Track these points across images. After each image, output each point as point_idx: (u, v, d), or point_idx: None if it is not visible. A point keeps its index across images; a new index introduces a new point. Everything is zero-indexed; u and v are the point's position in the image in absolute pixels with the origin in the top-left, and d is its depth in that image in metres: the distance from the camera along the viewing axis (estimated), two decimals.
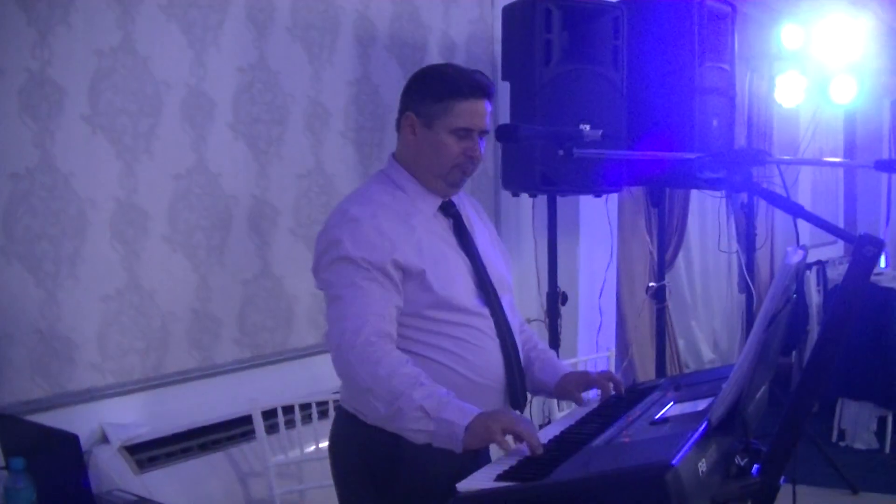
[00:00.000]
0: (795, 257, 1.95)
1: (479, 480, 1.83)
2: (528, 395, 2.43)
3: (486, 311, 2.30)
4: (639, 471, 1.63)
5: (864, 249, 1.79)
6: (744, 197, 5.92)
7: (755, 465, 1.89)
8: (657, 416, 2.07)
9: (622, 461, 1.75)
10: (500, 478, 1.82)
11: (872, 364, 5.64)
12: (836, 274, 7.12)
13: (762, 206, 6.93)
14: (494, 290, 2.34)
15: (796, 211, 2.02)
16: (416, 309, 2.22)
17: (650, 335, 5.55)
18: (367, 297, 2.15)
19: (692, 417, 1.95)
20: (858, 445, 5.83)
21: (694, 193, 6.32)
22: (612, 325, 5.06)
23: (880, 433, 5.83)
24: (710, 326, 7.34)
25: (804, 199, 8.09)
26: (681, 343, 6.69)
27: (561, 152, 2.32)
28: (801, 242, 2.07)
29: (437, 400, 2.03)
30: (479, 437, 1.99)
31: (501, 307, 2.35)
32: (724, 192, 5.70)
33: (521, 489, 1.75)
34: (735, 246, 6.90)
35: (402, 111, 2.35)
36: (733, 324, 7.53)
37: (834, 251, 8.39)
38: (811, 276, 6.99)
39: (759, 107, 7.22)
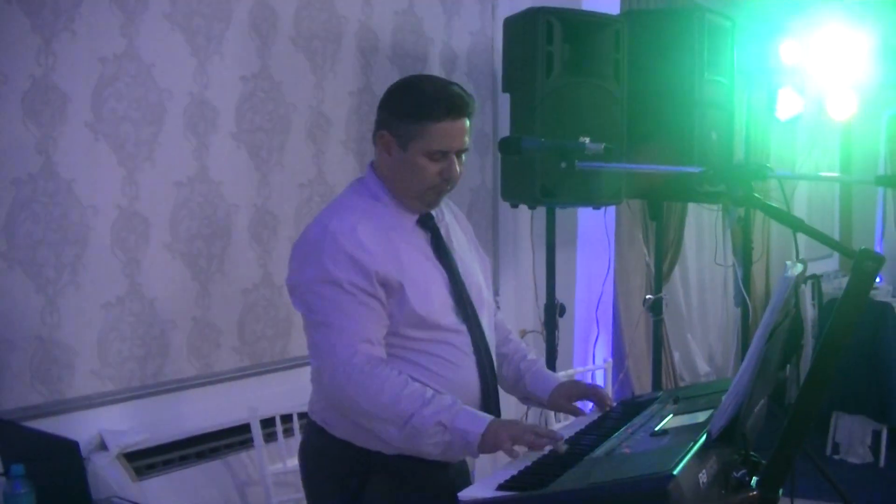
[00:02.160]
0: (795, 271, 1.96)
1: (481, 489, 1.83)
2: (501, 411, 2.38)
3: (463, 328, 2.27)
4: (640, 481, 1.63)
5: (864, 264, 1.80)
6: (741, 211, 5.93)
7: (754, 478, 1.90)
8: (657, 428, 2.08)
9: (623, 471, 1.75)
10: (501, 487, 1.82)
11: (867, 378, 5.65)
12: (831, 288, 7.13)
13: (758, 219, 6.95)
14: (472, 305, 2.31)
15: (797, 225, 2.03)
16: (393, 327, 2.19)
17: (646, 347, 5.55)
18: (354, 323, 2.12)
19: (692, 429, 1.96)
20: (853, 459, 5.84)
21: (691, 206, 6.33)
22: (608, 336, 5.08)
23: (875, 447, 5.84)
24: (706, 340, 7.33)
25: (800, 212, 8.09)
26: (676, 356, 6.67)
27: (564, 165, 2.34)
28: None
29: (448, 412, 2.06)
30: (489, 444, 2.03)
31: (479, 323, 2.31)
32: (721, 205, 5.71)
33: (523, 499, 1.76)
34: (731, 259, 6.91)
35: (377, 126, 2.26)
36: (729, 337, 7.52)
37: (829, 265, 8.40)
38: (806, 290, 6.99)
39: (757, 120, 7.23)
